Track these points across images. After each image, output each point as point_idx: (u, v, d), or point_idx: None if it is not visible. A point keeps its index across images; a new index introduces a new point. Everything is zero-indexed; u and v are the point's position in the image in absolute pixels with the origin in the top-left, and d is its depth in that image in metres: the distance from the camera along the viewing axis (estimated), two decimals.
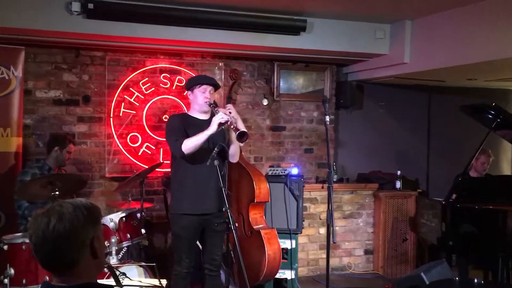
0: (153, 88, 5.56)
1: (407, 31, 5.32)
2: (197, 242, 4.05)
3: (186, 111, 4.91)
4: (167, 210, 5.27)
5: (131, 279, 3.13)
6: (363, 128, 6.53)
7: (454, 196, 4.77)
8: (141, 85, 5.52)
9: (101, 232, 1.74)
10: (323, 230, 5.98)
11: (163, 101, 5.62)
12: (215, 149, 3.62)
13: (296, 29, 5.17)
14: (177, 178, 3.94)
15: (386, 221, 6.08)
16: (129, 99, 5.48)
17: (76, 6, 4.45)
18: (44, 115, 5.25)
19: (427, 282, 3.94)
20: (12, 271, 3.55)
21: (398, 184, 6.21)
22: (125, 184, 4.79)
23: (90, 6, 4.43)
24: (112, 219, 4.11)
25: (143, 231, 4.43)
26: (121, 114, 5.45)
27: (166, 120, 5.36)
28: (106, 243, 3.80)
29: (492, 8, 4.41)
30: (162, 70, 5.62)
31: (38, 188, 3.87)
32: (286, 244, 5.06)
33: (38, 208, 4.24)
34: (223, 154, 3.85)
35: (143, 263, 3.92)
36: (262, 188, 4.68)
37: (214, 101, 3.95)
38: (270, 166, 5.49)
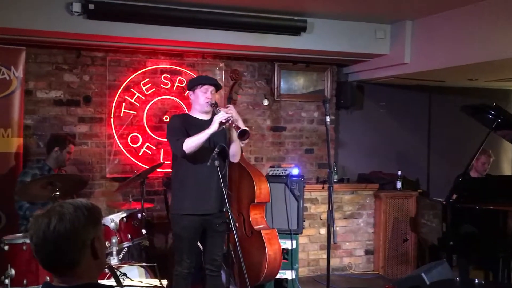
0: (153, 89, 5.57)
1: (407, 31, 5.33)
2: (198, 243, 4.05)
3: (187, 112, 4.92)
4: (167, 210, 5.27)
5: (132, 280, 3.13)
6: (363, 128, 6.53)
7: (454, 196, 4.77)
8: (141, 86, 5.52)
9: (101, 233, 1.74)
10: (323, 231, 5.98)
11: (164, 101, 5.62)
12: (216, 149, 3.62)
13: (296, 30, 5.17)
14: (178, 178, 3.94)
15: (386, 221, 6.08)
16: (130, 99, 5.48)
17: (76, 7, 4.45)
18: (45, 116, 5.25)
19: (428, 283, 3.94)
20: (13, 271, 3.55)
21: (399, 185, 6.21)
22: (125, 184, 4.79)
23: (91, 6, 4.43)
24: (113, 220, 4.11)
25: (143, 231, 4.43)
26: (121, 115, 5.46)
27: (167, 120, 5.38)
28: (106, 243, 3.80)
29: (492, 8, 4.41)
30: (162, 71, 5.62)
31: (39, 188, 3.87)
32: (287, 244, 5.06)
33: (39, 209, 4.25)
34: (224, 155, 3.85)
35: (144, 264, 3.92)
36: (262, 189, 4.68)
37: (215, 102, 3.96)
38: (270, 167, 5.49)
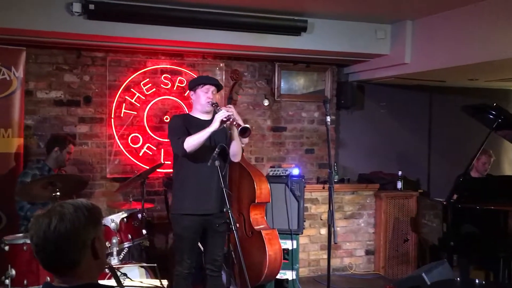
0: (154, 89, 5.57)
1: (407, 32, 5.33)
2: (199, 244, 4.05)
3: (187, 112, 4.92)
4: (168, 210, 5.27)
5: (132, 280, 3.13)
6: (364, 128, 6.53)
7: (455, 196, 4.77)
8: (142, 86, 5.52)
9: (102, 233, 1.74)
10: (324, 231, 5.98)
11: (164, 101, 5.63)
12: (216, 149, 3.62)
13: (297, 30, 5.17)
14: (179, 178, 3.94)
15: (387, 221, 6.08)
16: (130, 99, 5.48)
17: (77, 7, 4.45)
18: (45, 116, 5.25)
19: (428, 283, 3.93)
20: (13, 271, 3.56)
21: (399, 185, 6.20)
22: (126, 184, 4.79)
23: (91, 6, 4.43)
24: (113, 220, 4.12)
25: (144, 231, 4.44)
26: (122, 115, 5.46)
27: (167, 120, 5.38)
28: (107, 243, 3.80)
29: (492, 8, 4.41)
30: (163, 71, 5.62)
31: (39, 188, 3.87)
32: (287, 244, 5.05)
33: (40, 209, 4.25)
34: (224, 155, 3.85)
35: (144, 264, 3.92)
36: (263, 189, 4.68)
37: (216, 102, 3.95)
38: (271, 167, 5.49)
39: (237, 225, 4.00)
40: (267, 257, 4.53)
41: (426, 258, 5.96)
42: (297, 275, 5.18)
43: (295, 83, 6.29)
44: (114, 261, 3.81)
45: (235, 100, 4.80)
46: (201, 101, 3.90)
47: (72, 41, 4.95)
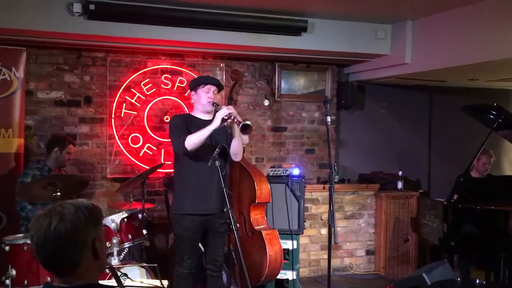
0: (154, 89, 5.57)
1: (408, 32, 5.33)
2: (199, 244, 4.05)
3: (188, 112, 4.92)
4: (168, 210, 5.28)
5: (132, 280, 3.13)
6: (364, 128, 6.53)
7: (455, 196, 4.77)
8: (142, 86, 5.52)
9: (102, 233, 1.74)
10: (324, 231, 5.98)
11: (165, 102, 5.63)
12: (216, 149, 3.62)
13: (297, 30, 5.17)
14: (180, 178, 3.94)
15: (387, 221, 6.08)
16: (131, 100, 5.48)
17: (77, 7, 4.45)
18: (46, 116, 5.25)
19: (429, 283, 3.93)
20: (14, 272, 3.56)
21: (400, 185, 6.20)
22: (126, 185, 4.79)
23: (91, 7, 4.43)
24: (114, 220, 4.12)
25: (144, 231, 4.44)
26: (122, 115, 5.46)
27: (167, 120, 5.38)
28: (107, 243, 3.80)
29: (492, 8, 4.41)
30: (163, 71, 5.62)
31: (39, 189, 3.87)
32: (288, 244, 5.05)
33: (41, 209, 4.26)
34: (225, 155, 3.85)
35: (145, 264, 3.92)
36: (263, 189, 4.68)
37: (217, 102, 3.96)
38: (271, 167, 5.49)
39: (238, 225, 4.00)
40: (267, 257, 4.53)
41: (426, 258, 5.96)
42: (297, 275, 5.18)
43: (296, 83, 6.29)
44: (114, 261, 3.81)
45: (236, 100, 4.80)
46: (202, 101, 3.90)
47: (72, 41, 4.95)
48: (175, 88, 5.65)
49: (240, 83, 4.83)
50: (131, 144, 5.49)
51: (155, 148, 5.57)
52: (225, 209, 3.64)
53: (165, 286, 3.23)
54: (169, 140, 4.15)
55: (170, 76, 5.63)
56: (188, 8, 4.76)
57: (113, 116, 5.42)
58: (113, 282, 2.66)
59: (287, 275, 5.11)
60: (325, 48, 5.38)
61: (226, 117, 3.67)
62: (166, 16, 4.72)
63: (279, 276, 4.88)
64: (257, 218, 4.72)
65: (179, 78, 5.65)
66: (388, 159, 6.53)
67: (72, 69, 5.32)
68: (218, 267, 4.01)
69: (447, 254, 4.78)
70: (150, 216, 5.32)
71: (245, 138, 4.06)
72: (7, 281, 3.53)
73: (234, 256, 4.46)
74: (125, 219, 4.22)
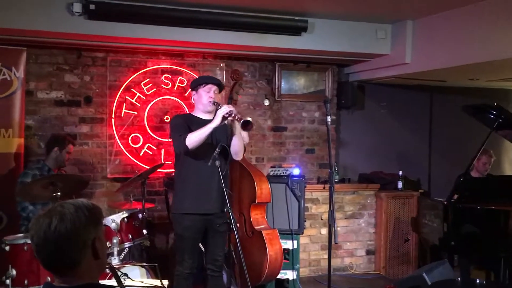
0: (154, 89, 5.57)
1: (408, 31, 5.32)
2: (200, 244, 4.05)
3: (188, 112, 4.92)
4: (168, 210, 5.28)
5: (132, 280, 3.13)
6: (364, 128, 6.53)
7: (456, 196, 4.77)
8: (142, 86, 5.52)
9: (102, 233, 1.74)
10: (324, 231, 5.98)
11: (165, 101, 5.63)
12: (217, 149, 3.62)
13: (297, 30, 5.17)
14: (181, 177, 3.94)
15: (387, 221, 6.08)
16: (131, 99, 5.48)
17: (77, 7, 4.45)
18: (46, 116, 5.25)
19: (429, 283, 3.93)
20: (14, 272, 3.56)
21: (400, 185, 6.20)
22: (126, 184, 4.79)
23: (92, 7, 4.43)
24: (114, 220, 4.12)
25: (144, 231, 4.44)
26: (122, 115, 5.46)
27: (168, 120, 5.38)
28: (107, 243, 3.80)
29: (492, 8, 4.41)
30: (163, 71, 5.62)
31: (40, 189, 3.87)
32: (288, 244, 5.05)
33: (42, 210, 4.25)
34: (225, 154, 3.85)
35: (145, 264, 3.92)
36: (263, 189, 4.68)
37: (217, 102, 3.96)
38: (271, 167, 5.49)
39: (238, 225, 4.00)
40: (267, 257, 4.53)
41: (426, 258, 5.96)
42: (297, 275, 5.18)
43: (296, 83, 6.29)
44: (114, 261, 3.81)
45: (236, 100, 4.80)
46: (203, 101, 3.90)
47: (72, 41, 4.96)
48: (175, 88, 5.64)
49: (240, 83, 4.83)
50: (131, 144, 5.49)
51: (155, 148, 5.57)
52: (225, 209, 3.64)
53: (165, 286, 3.23)
54: (170, 140, 4.15)
55: (170, 76, 5.63)
56: (188, 8, 4.76)
57: (113, 116, 5.42)
58: (113, 282, 2.66)
59: (287, 275, 5.11)
60: (325, 48, 5.38)
61: (226, 115, 3.67)
62: (166, 16, 4.72)
63: (279, 276, 4.89)
64: (257, 218, 4.72)
65: (179, 78, 5.65)
66: (388, 159, 6.53)
67: (72, 69, 5.32)
68: (218, 267, 4.01)
69: (447, 254, 4.78)
70: (150, 216, 5.32)
71: (246, 137, 4.06)
72: (8, 281, 3.53)
73: (234, 256, 4.45)
74: (125, 219, 4.22)
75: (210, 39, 5.02)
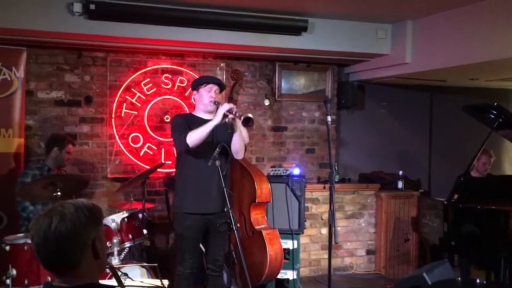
0: (154, 89, 5.57)
1: (408, 31, 5.32)
2: (200, 244, 4.05)
3: (188, 112, 4.91)
4: (168, 210, 5.28)
5: (133, 280, 3.13)
6: (364, 128, 6.53)
7: (456, 196, 4.76)
8: (142, 86, 5.52)
9: (102, 233, 1.74)
10: (325, 231, 5.98)
11: (165, 101, 5.63)
12: (217, 149, 3.62)
13: (297, 29, 5.17)
14: (181, 177, 3.95)
15: (388, 221, 6.08)
16: (131, 99, 5.48)
17: (77, 7, 4.45)
18: (46, 116, 5.25)
19: (429, 283, 3.92)
20: (14, 271, 3.56)
21: (400, 184, 6.20)
22: (127, 184, 4.79)
23: (92, 6, 4.43)
24: (114, 220, 4.12)
25: (145, 231, 4.44)
26: (122, 115, 5.46)
27: (168, 120, 5.38)
28: (108, 243, 3.80)
29: (492, 8, 4.41)
30: (163, 71, 5.62)
31: (40, 188, 3.87)
32: (288, 244, 5.05)
33: (42, 210, 4.25)
34: (225, 154, 3.85)
35: (145, 264, 3.92)
36: (263, 189, 4.68)
37: (218, 101, 3.96)
38: (271, 167, 5.49)
39: (238, 225, 4.00)
40: (267, 257, 4.53)
41: (427, 258, 5.96)
42: (297, 275, 5.18)
43: (296, 83, 6.29)
44: (115, 261, 3.81)
45: (236, 100, 4.79)
46: (204, 100, 3.90)
47: (72, 41, 4.96)
48: (175, 88, 5.64)
49: (240, 82, 4.82)
50: (131, 144, 5.49)
51: (155, 148, 5.57)
52: (225, 209, 3.64)
53: (166, 286, 3.23)
54: (170, 139, 4.16)
55: (170, 76, 5.63)
56: (189, 8, 4.76)
57: (113, 116, 5.42)
58: (113, 282, 2.66)
59: (288, 274, 5.11)
60: (325, 48, 5.38)
61: (227, 112, 3.68)
62: (166, 16, 4.72)
63: (279, 276, 4.89)
64: (257, 217, 4.72)
65: (180, 77, 5.65)
66: (388, 159, 6.53)
67: (72, 69, 5.32)
68: (218, 267, 4.01)
69: (448, 254, 4.78)
70: (150, 216, 5.33)
71: (246, 136, 4.06)
72: (8, 281, 3.53)
73: (234, 256, 4.45)
74: (126, 219, 4.22)
75: (210, 39, 5.02)
